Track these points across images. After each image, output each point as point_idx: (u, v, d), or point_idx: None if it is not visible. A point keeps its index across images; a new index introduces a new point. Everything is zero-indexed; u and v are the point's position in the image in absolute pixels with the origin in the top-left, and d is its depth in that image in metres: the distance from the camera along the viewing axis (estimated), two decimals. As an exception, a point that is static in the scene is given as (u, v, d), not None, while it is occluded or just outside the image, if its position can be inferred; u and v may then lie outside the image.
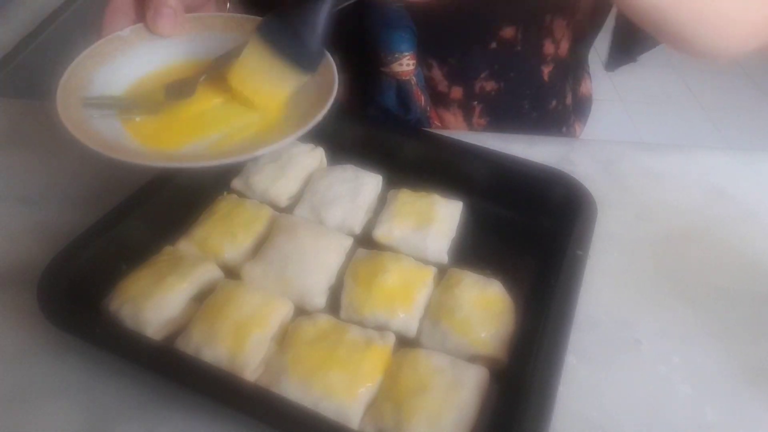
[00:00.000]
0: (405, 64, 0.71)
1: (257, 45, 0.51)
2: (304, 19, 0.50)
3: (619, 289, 0.56)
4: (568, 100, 0.84)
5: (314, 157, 0.63)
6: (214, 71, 0.54)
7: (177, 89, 0.54)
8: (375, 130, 0.67)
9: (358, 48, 0.72)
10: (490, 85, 0.77)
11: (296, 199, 0.60)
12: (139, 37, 0.55)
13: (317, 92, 0.53)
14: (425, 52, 0.73)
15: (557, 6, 0.72)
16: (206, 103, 0.54)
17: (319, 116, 0.49)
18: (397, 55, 0.71)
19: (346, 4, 0.51)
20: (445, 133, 0.70)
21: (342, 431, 0.41)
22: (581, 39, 0.80)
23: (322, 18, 0.50)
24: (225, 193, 0.60)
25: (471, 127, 0.80)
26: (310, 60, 0.52)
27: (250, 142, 0.51)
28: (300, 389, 0.43)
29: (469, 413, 0.43)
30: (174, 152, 0.51)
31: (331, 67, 0.54)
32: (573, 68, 0.83)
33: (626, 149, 0.72)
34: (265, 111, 0.54)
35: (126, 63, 0.55)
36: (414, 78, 0.73)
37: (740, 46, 0.64)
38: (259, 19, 0.56)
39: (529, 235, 0.59)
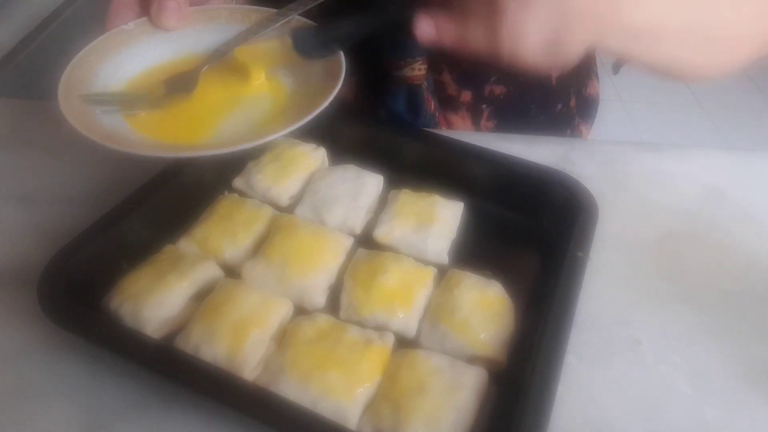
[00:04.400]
0: (417, 69, 0.72)
1: (280, 39, 0.53)
2: (332, 33, 0.53)
3: (619, 289, 0.56)
4: (572, 102, 0.84)
5: (316, 157, 0.63)
6: (216, 62, 0.54)
7: (177, 83, 0.54)
8: (376, 131, 0.67)
9: (371, 51, 0.72)
10: (499, 89, 0.77)
11: (297, 199, 0.60)
12: (143, 31, 0.55)
13: (322, 82, 0.53)
14: (436, 57, 0.73)
15: None
16: (209, 95, 0.54)
17: (324, 105, 0.49)
18: (409, 60, 0.71)
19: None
20: (446, 132, 0.71)
21: (340, 431, 0.41)
22: None
23: (345, 36, 0.52)
24: (226, 192, 0.60)
25: (478, 129, 0.80)
26: (315, 50, 0.53)
27: (256, 130, 0.51)
28: (298, 389, 0.43)
29: (467, 414, 0.43)
30: (180, 144, 0.51)
31: (339, 58, 0.54)
32: (578, 72, 0.83)
33: (626, 149, 0.72)
34: (254, 83, 0.55)
35: (129, 57, 0.55)
36: (425, 83, 0.73)
37: (732, 72, 0.66)
38: (264, 9, 0.57)
39: (530, 236, 0.59)
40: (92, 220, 0.52)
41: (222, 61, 0.54)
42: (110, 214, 0.53)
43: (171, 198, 0.57)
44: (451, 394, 0.43)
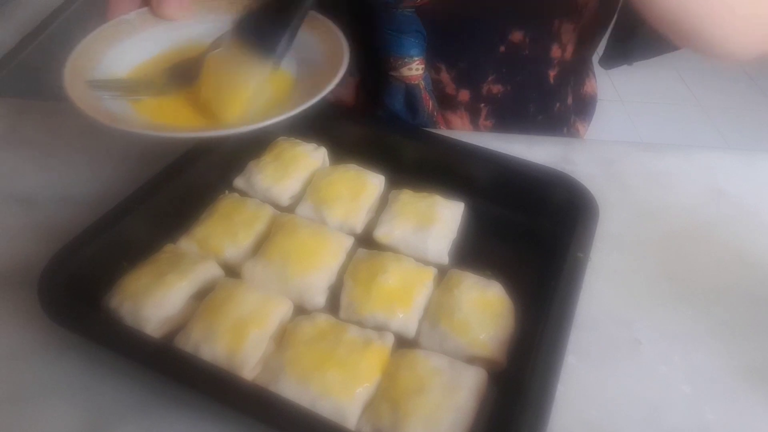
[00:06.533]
0: (414, 69, 0.72)
1: (228, 44, 0.52)
2: (275, 15, 0.51)
3: (619, 289, 0.56)
4: (569, 100, 0.84)
5: (317, 156, 0.63)
6: (215, 50, 0.54)
7: (180, 71, 0.54)
8: (377, 131, 0.67)
9: (368, 51, 0.72)
10: (497, 88, 0.77)
11: (298, 199, 0.60)
12: (144, 21, 0.55)
13: (326, 68, 0.53)
14: (434, 56, 0.74)
15: (565, 10, 0.72)
16: (212, 83, 0.53)
17: (328, 88, 0.49)
18: (406, 60, 0.71)
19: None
20: (447, 132, 0.71)
21: (339, 431, 0.41)
22: (586, 42, 0.80)
23: (294, 14, 0.51)
24: (227, 191, 0.60)
25: (477, 129, 0.80)
26: (273, 44, 0.51)
27: (262, 115, 0.50)
28: (298, 388, 0.43)
29: (466, 415, 0.43)
30: (188, 126, 0.51)
31: (339, 39, 0.54)
32: (576, 70, 0.83)
33: (626, 149, 0.72)
34: (228, 110, 0.52)
35: (131, 47, 0.55)
36: (422, 82, 0.74)
37: (757, 48, 0.64)
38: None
39: (531, 237, 0.59)
40: (92, 220, 0.52)
41: (223, 49, 0.54)
42: (110, 213, 0.53)
43: (171, 197, 0.57)
44: (450, 394, 0.43)
